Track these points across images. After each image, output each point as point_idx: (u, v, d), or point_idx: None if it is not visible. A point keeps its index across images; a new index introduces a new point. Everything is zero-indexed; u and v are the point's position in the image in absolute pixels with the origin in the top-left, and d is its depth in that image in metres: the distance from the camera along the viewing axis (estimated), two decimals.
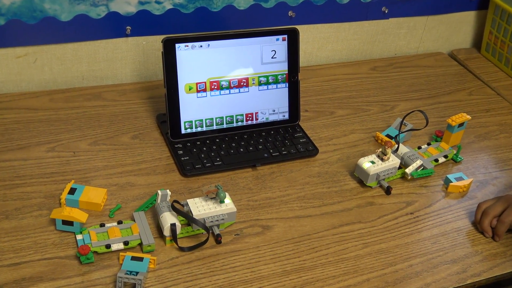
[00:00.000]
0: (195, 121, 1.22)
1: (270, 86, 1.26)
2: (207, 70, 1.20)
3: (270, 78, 1.26)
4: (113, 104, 1.32)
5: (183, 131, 1.21)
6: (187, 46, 1.17)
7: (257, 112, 1.27)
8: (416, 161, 1.20)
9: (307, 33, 1.56)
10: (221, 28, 1.43)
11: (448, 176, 1.21)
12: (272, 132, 1.27)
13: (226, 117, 1.24)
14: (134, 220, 1.01)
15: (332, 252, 1.03)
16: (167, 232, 0.98)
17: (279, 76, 1.26)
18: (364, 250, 1.04)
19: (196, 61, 1.19)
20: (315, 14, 1.53)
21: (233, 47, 1.21)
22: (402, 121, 1.28)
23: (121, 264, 0.93)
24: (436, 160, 1.25)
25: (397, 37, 1.70)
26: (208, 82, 1.21)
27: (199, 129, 1.22)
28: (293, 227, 1.07)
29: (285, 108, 1.29)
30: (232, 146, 1.21)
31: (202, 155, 1.18)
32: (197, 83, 1.20)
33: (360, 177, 1.17)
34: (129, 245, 0.97)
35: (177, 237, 0.98)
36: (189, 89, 1.20)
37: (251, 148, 1.22)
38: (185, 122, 1.21)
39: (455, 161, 1.29)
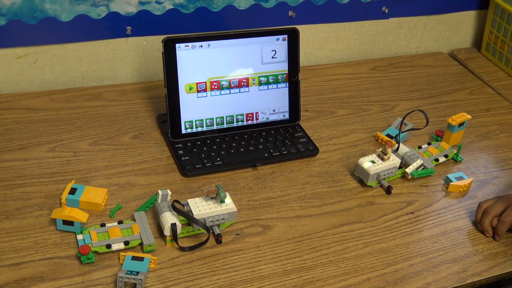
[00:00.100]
0: (196, 121, 1.22)
1: (270, 86, 1.26)
2: (208, 70, 1.20)
3: (270, 78, 1.26)
4: (114, 104, 1.32)
5: (183, 131, 1.21)
6: (188, 46, 1.17)
7: (258, 112, 1.27)
8: (417, 161, 1.20)
9: (307, 33, 1.56)
10: (221, 28, 1.43)
11: (448, 175, 1.21)
12: (272, 132, 1.27)
13: (227, 117, 1.24)
14: (135, 220, 1.01)
15: (333, 252, 1.03)
16: (167, 232, 0.98)
17: (279, 76, 1.26)
18: (364, 249, 1.04)
19: (197, 61, 1.19)
20: (315, 14, 1.53)
21: (233, 47, 1.21)
22: (402, 121, 1.28)
23: (122, 264, 0.93)
24: (437, 160, 1.25)
25: (397, 37, 1.70)
26: (208, 82, 1.21)
27: (199, 129, 1.22)
28: (293, 226, 1.07)
29: (286, 108, 1.29)
30: (233, 146, 1.21)
31: (203, 155, 1.18)
32: (197, 83, 1.20)
33: (360, 177, 1.18)
34: (130, 245, 0.97)
35: (178, 237, 0.99)
36: (190, 89, 1.20)
37: (251, 148, 1.22)
38: (185, 122, 1.21)
39: (455, 160, 1.29)
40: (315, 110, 1.40)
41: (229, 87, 1.23)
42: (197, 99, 1.21)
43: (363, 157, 1.16)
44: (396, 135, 1.27)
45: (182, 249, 0.99)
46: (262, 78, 1.25)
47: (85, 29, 1.31)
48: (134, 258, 0.93)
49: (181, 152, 1.18)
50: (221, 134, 1.24)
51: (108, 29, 1.34)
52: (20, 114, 1.25)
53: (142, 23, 1.36)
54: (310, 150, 1.24)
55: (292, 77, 1.27)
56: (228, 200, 1.03)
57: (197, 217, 0.99)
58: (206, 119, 1.23)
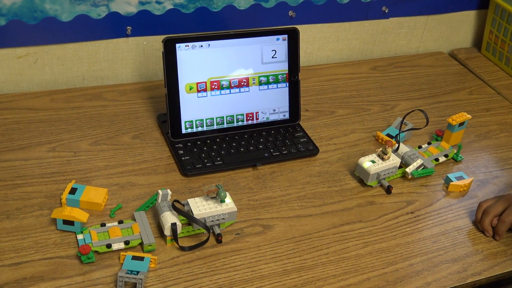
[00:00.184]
0: (196, 121, 1.22)
1: (270, 86, 1.26)
2: (208, 70, 1.21)
3: (270, 77, 1.26)
4: (114, 104, 1.33)
5: (183, 131, 1.21)
6: (188, 46, 1.18)
7: (258, 112, 1.27)
8: (417, 160, 1.20)
9: (308, 33, 1.56)
10: (222, 28, 1.43)
11: (448, 175, 1.21)
12: (272, 131, 1.27)
13: (227, 116, 1.24)
14: (135, 220, 1.01)
15: (333, 251, 1.03)
16: (167, 231, 0.98)
17: (279, 76, 1.26)
18: (364, 249, 1.04)
19: (197, 61, 1.19)
20: (315, 14, 1.53)
21: (234, 47, 1.21)
22: (402, 121, 1.28)
23: (122, 263, 0.93)
24: (437, 159, 1.25)
25: (398, 36, 1.70)
26: (208, 82, 1.21)
27: (199, 128, 1.22)
28: (293, 226, 1.07)
29: (286, 107, 1.29)
30: (233, 146, 1.22)
31: (203, 155, 1.18)
32: (197, 83, 1.20)
33: (360, 177, 1.18)
34: (130, 245, 0.97)
35: (178, 236, 0.99)
36: (190, 89, 1.20)
37: (251, 148, 1.22)
38: (185, 122, 1.21)
39: (455, 160, 1.29)
40: (315, 110, 1.40)
41: (229, 87, 1.23)
42: (197, 99, 1.21)
43: (363, 157, 1.16)
44: (396, 135, 1.27)
45: (182, 248, 0.99)
46: (262, 78, 1.25)
47: (85, 29, 1.31)
48: (134, 257, 0.93)
49: (181, 152, 1.18)
50: (221, 134, 1.24)
51: (108, 29, 1.34)
52: (21, 114, 1.25)
53: (142, 23, 1.36)
54: (310, 150, 1.24)
55: (292, 77, 1.28)
56: (228, 199, 1.03)
57: (197, 217, 0.99)
58: (206, 119, 1.23)
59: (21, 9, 1.23)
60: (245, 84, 1.24)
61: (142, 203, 1.06)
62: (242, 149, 1.21)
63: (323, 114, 1.39)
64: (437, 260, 1.04)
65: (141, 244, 0.98)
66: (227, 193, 1.03)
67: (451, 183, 1.19)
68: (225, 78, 1.22)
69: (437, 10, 1.70)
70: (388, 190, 1.17)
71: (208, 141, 1.22)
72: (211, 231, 1.02)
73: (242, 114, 1.25)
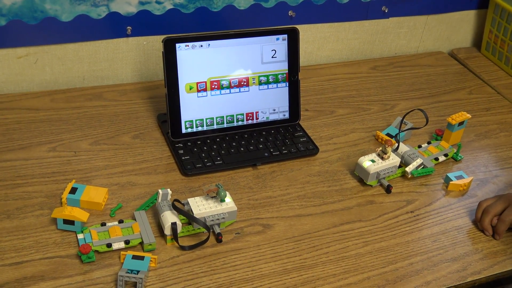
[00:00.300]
0: (196, 120, 1.22)
1: (270, 86, 1.27)
2: (208, 69, 1.21)
3: (270, 77, 1.26)
4: (114, 104, 1.33)
5: (183, 131, 1.21)
6: (188, 46, 1.18)
7: (258, 112, 1.27)
8: (416, 160, 1.21)
9: (307, 32, 1.56)
10: (222, 28, 1.43)
11: (448, 174, 1.21)
12: (272, 131, 1.27)
13: (227, 116, 1.24)
14: (135, 219, 1.01)
15: (333, 251, 1.03)
16: (168, 231, 0.98)
17: (279, 76, 1.27)
18: (364, 248, 1.04)
19: (197, 60, 1.19)
20: (315, 14, 1.53)
21: (233, 46, 1.22)
22: (402, 120, 1.28)
23: (122, 263, 0.93)
24: (436, 159, 1.26)
25: (397, 36, 1.70)
26: (208, 82, 1.21)
27: (199, 128, 1.23)
28: (293, 225, 1.07)
29: (286, 107, 1.29)
30: (233, 146, 1.22)
31: (203, 155, 1.18)
32: (197, 83, 1.21)
33: (360, 176, 1.18)
34: (130, 244, 0.97)
35: (178, 236, 0.99)
36: (190, 89, 1.20)
37: (251, 148, 1.22)
38: (185, 122, 1.21)
39: (455, 159, 1.29)
40: (315, 109, 1.40)
41: (229, 86, 1.23)
42: (197, 99, 1.21)
43: (363, 156, 1.17)
44: (396, 134, 1.27)
45: (182, 248, 0.99)
46: (262, 78, 1.25)
47: (85, 29, 1.32)
48: (134, 257, 0.93)
49: (181, 151, 1.18)
50: (221, 134, 1.24)
51: (108, 29, 1.34)
52: (21, 114, 1.25)
53: (142, 23, 1.36)
54: (310, 149, 1.24)
55: (292, 77, 1.28)
56: (228, 199, 1.03)
57: (197, 216, 0.99)
58: (206, 119, 1.23)
59: (21, 9, 1.24)
60: (245, 84, 1.24)
61: (142, 203, 1.07)
62: (242, 149, 1.21)
63: (323, 114, 1.39)
64: (437, 259, 1.04)
65: (141, 243, 0.98)
66: (227, 192, 1.03)
67: (451, 182, 1.20)
68: (225, 78, 1.22)
69: (437, 10, 1.70)
70: (388, 189, 1.17)
71: (208, 141, 1.22)
72: (211, 230, 1.02)
73: (242, 114, 1.26)
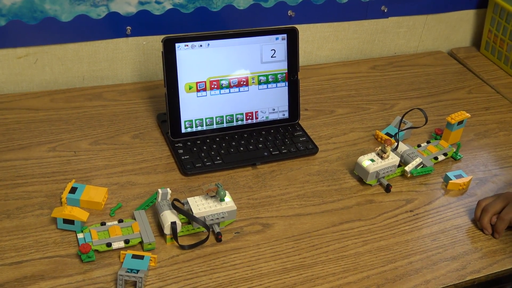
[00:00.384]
0: (195, 120, 1.22)
1: (270, 85, 1.27)
2: (207, 69, 1.21)
3: (269, 77, 1.26)
4: (114, 104, 1.33)
5: (183, 130, 1.22)
6: (187, 45, 1.18)
7: (257, 111, 1.27)
8: (416, 159, 1.21)
9: (307, 32, 1.56)
10: (221, 28, 1.43)
11: (447, 173, 1.21)
12: (272, 131, 1.27)
13: (226, 116, 1.25)
14: (135, 219, 1.02)
15: (332, 250, 1.03)
16: (167, 230, 0.98)
17: (278, 75, 1.27)
18: (364, 247, 1.04)
19: (196, 60, 1.19)
20: (314, 14, 1.54)
21: (233, 46, 1.22)
22: (401, 119, 1.28)
23: (122, 262, 0.93)
24: (436, 158, 1.26)
25: (397, 36, 1.70)
26: (208, 82, 1.21)
27: (199, 128, 1.23)
28: (293, 225, 1.07)
29: (285, 107, 1.29)
30: (232, 145, 1.22)
31: (202, 154, 1.18)
32: (197, 83, 1.21)
33: (359, 175, 1.18)
34: (130, 244, 0.97)
35: (178, 235, 0.99)
36: (189, 89, 1.20)
37: (251, 147, 1.22)
38: (185, 121, 1.21)
39: (454, 159, 1.29)
40: (314, 109, 1.41)
41: (229, 86, 1.23)
42: (196, 99, 1.21)
43: (363, 156, 1.17)
44: (395, 134, 1.28)
45: (182, 247, 0.99)
46: (261, 77, 1.25)
47: (85, 29, 1.32)
48: (134, 256, 0.93)
49: (181, 151, 1.19)
50: (221, 133, 1.24)
51: (108, 29, 1.34)
52: (21, 114, 1.25)
53: (142, 23, 1.36)
54: (309, 149, 1.25)
55: (292, 76, 1.28)
56: (227, 198, 1.03)
57: (197, 216, 1.00)
58: (205, 118, 1.23)
59: (21, 10, 1.24)
60: (244, 83, 1.24)
61: (142, 202, 1.07)
62: (241, 148, 1.21)
63: (322, 113, 1.39)
64: (436, 258, 1.04)
65: (141, 243, 0.98)
66: (226, 192, 1.03)
67: (450, 181, 1.20)
68: (225, 77, 1.23)
69: (436, 9, 1.71)
70: (387, 188, 1.17)
71: (207, 141, 1.22)
72: (210, 229, 1.02)
73: (242, 114, 1.26)
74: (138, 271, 0.90)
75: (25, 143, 1.17)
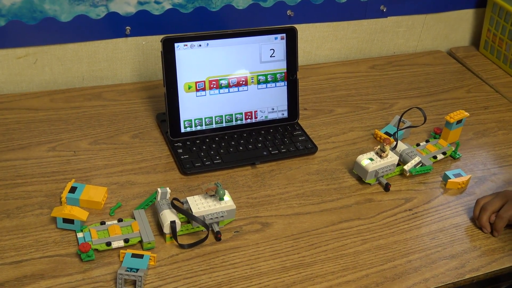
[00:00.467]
0: (195, 120, 1.22)
1: (269, 85, 1.27)
2: (206, 69, 1.21)
3: (269, 76, 1.26)
4: (113, 103, 1.33)
5: (182, 130, 1.22)
6: (186, 45, 1.18)
7: (256, 111, 1.27)
8: (415, 158, 1.21)
9: (306, 32, 1.57)
10: (220, 28, 1.44)
11: (446, 172, 1.22)
12: (271, 130, 1.28)
13: (226, 115, 1.25)
14: (134, 218, 1.02)
15: (331, 249, 1.03)
16: (167, 229, 0.99)
17: (278, 75, 1.27)
18: (363, 246, 1.05)
19: (195, 60, 1.20)
20: (313, 13, 1.54)
21: (232, 46, 1.22)
22: (400, 119, 1.28)
23: (122, 261, 0.93)
24: (435, 157, 1.26)
25: (396, 35, 1.71)
26: (207, 81, 1.22)
27: (198, 127, 1.23)
28: (292, 224, 1.07)
29: (284, 106, 1.29)
30: (232, 145, 1.22)
31: (202, 154, 1.19)
32: (196, 82, 1.21)
33: (359, 174, 1.18)
34: (130, 243, 0.97)
35: (177, 234, 0.99)
36: (189, 88, 1.21)
37: (250, 147, 1.22)
38: (184, 121, 1.22)
39: (453, 157, 1.29)
40: (314, 108, 1.41)
41: (228, 86, 1.23)
42: (196, 98, 1.22)
43: (362, 155, 1.17)
44: (394, 133, 1.28)
45: (181, 246, 0.99)
46: (260, 77, 1.26)
47: (84, 29, 1.32)
48: (134, 255, 0.94)
49: (180, 151, 1.19)
50: (220, 133, 1.25)
51: (107, 29, 1.35)
52: (21, 114, 1.26)
53: (141, 23, 1.37)
54: (308, 148, 1.25)
55: (291, 76, 1.28)
56: (227, 197, 1.03)
57: (196, 215, 1.00)
58: (205, 118, 1.23)
59: (20, 10, 1.24)
60: (243, 83, 1.25)
61: (142, 202, 1.07)
62: (241, 148, 1.22)
63: (321, 113, 1.40)
64: (435, 257, 1.04)
65: (141, 242, 0.98)
66: (225, 191, 1.03)
67: (449, 180, 1.20)
68: (224, 77, 1.23)
69: (435, 9, 1.71)
70: (386, 187, 1.17)
71: (207, 140, 1.22)
72: (210, 228, 1.02)
73: (241, 113, 1.26)
74: (137, 270, 0.90)
75: (25, 143, 1.18)
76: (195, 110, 1.22)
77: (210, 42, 1.20)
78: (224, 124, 1.25)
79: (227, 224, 1.05)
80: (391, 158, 1.18)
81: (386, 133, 1.32)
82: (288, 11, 1.50)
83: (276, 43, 1.25)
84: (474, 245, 1.08)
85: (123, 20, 1.35)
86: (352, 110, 1.42)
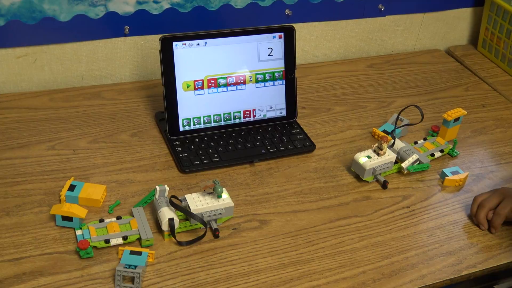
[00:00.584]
0: (193, 118, 1.23)
1: (267, 83, 1.28)
2: (205, 68, 1.22)
3: (267, 75, 1.27)
4: (112, 103, 1.34)
5: (181, 129, 1.22)
6: (185, 44, 1.19)
7: (255, 109, 1.28)
8: (412, 156, 1.21)
9: (304, 31, 1.57)
10: (219, 27, 1.44)
11: (444, 170, 1.22)
12: (269, 128, 1.28)
13: (224, 114, 1.25)
14: (133, 216, 1.02)
15: (329, 245, 1.04)
16: (165, 226, 0.99)
17: (276, 73, 1.28)
18: (360, 243, 1.05)
19: (194, 59, 1.20)
20: (312, 12, 1.54)
21: (230, 45, 1.23)
22: (398, 116, 1.29)
23: (120, 258, 0.94)
24: (432, 155, 1.26)
25: (394, 34, 1.71)
26: (205, 80, 1.22)
27: (197, 126, 1.24)
28: (290, 221, 1.08)
29: (282, 105, 1.30)
30: (230, 143, 1.23)
31: (200, 152, 1.19)
32: (194, 81, 1.22)
33: (356, 172, 1.19)
34: (128, 240, 0.98)
35: (175, 231, 1.00)
36: (187, 87, 1.21)
37: (248, 145, 1.23)
38: (183, 120, 1.22)
39: (451, 155, 1.30)
40: (312, 107, 1.41)
41: (226, 84, 1.24)
42: (194, 97, 1.22)
43: (359, 153, 1.17)
44: (392, 131, 1.28)
45: (179, 243, 1.00)
46: (259, 76, 1.26)
47: (83, 29, 1.33)
48: (132, 252, 0.94)
49: (179, 149, 1.19)
50: (219, 131, 1.25)
51: (106, 29, 1.35)
52: (20, 113, 1.26)
53: (140, 23, 1.37)
54: (307, 146, 1.25)
55: (289, 75, 1.29)
56: (225, 195, 1.04)
57: (194, 212, 1.00)
58: (203, 117, 1.24)
59: (20, 10, 1.25)
60: (242, 81, 1.25)
61: (140, 199, 1.08)
62: (239, 146, 1.22)
63: (320, 111, 1.40)
64: (432, 253, 1.05)
65: (139, 239, 0.99)
66: (223, 188, 1.04)
67: (446, 177, 1.21)
68: (222, 76, 1.23)
69: (433, 8, 1.71)
70: (384, 185, 1.18)
71: (205, 138, 1.23)
72: (208, 226, 1.03)
73: (239, 112, 1.27)
74: (136, 267, 0.91)
75: (25, 142, 1.18)
76: (194, 108, 1.23)
77: (208, 41, 1.21)
78: (222, 123, 1.26)
79: (225, 222, 1.06)
80: (389, 156, 1.18)
81: (384, 131, 1.32)
82: (286, 10, 1.51)
83: (274, 42, 1.26)
84: (471, 242, 1.08)
85: (122, 19, 1.35)
86: (350, 108, 1.43)
